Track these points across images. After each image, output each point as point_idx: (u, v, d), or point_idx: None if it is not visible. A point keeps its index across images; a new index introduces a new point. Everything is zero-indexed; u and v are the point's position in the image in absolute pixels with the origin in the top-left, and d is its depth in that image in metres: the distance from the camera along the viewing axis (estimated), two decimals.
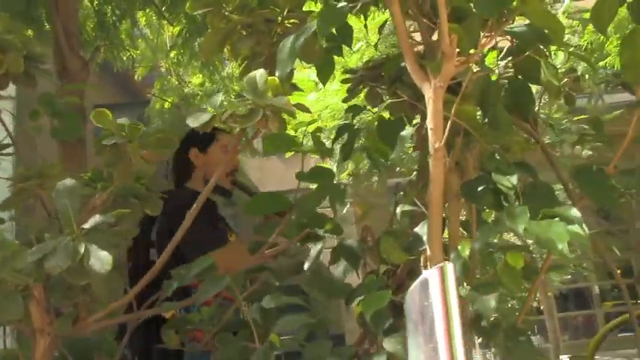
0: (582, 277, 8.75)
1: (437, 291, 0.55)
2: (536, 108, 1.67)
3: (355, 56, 4.82)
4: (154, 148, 1.57)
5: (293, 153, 1.85)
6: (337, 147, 2.00)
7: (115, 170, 1.59)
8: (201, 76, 5.04)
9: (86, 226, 1.28)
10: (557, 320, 6.39)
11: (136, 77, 5.25)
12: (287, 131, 1.66)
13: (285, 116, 1.52)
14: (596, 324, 8.77)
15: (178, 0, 3.57)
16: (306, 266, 1.53)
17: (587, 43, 4.30)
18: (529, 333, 1.43)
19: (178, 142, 1.59)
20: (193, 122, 1.40)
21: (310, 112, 1.60)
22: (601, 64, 4.06)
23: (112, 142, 1.52)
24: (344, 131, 1.84)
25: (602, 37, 4.06)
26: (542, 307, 6.43)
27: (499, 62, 1.59)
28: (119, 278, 1.47)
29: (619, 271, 8.33)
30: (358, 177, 5.78)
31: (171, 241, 1.45)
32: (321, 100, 5.17)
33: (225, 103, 1.44)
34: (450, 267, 0.57)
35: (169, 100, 5.45)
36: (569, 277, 9.27)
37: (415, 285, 0.57)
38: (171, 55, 4.61)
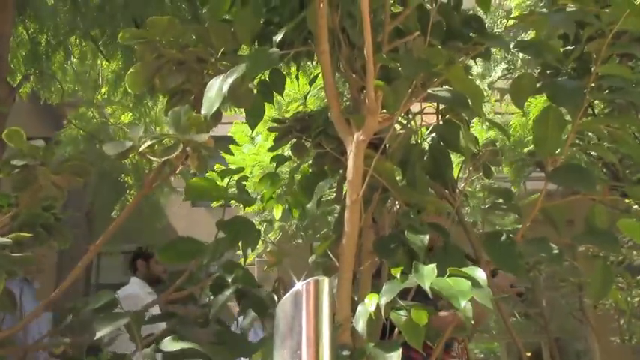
0: (494, 356, 8.87)
1: (309, 303, 0.53)
2: (457, 177, 1.72)
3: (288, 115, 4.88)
4: (67, 174, 1.51)
5: (219, 203, 1.80)
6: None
7: (23, 195, 1.52)
8: (130, 114, 4.99)
9: None
10: None
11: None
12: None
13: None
14: None
15: (116, 35, 3.54)
16: (211, 314, 1.48)
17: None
18: None
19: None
20: (111, 151, 1.36)
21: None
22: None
23: (23, 164, 1.46)
24: (267, 180, 1.84)
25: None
26: None
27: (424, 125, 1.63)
28: (10, 306, 1.38)
29: (529, 353, 8.47)
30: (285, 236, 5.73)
31: None
32: (254, 155, 5.16)
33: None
34: (325, 282, 0.55)
35: (83, 130, 5.37)
36: (482, 355, 9.42)
37: (287, 297, 0.55)
38: (102, 90, 4.53)
